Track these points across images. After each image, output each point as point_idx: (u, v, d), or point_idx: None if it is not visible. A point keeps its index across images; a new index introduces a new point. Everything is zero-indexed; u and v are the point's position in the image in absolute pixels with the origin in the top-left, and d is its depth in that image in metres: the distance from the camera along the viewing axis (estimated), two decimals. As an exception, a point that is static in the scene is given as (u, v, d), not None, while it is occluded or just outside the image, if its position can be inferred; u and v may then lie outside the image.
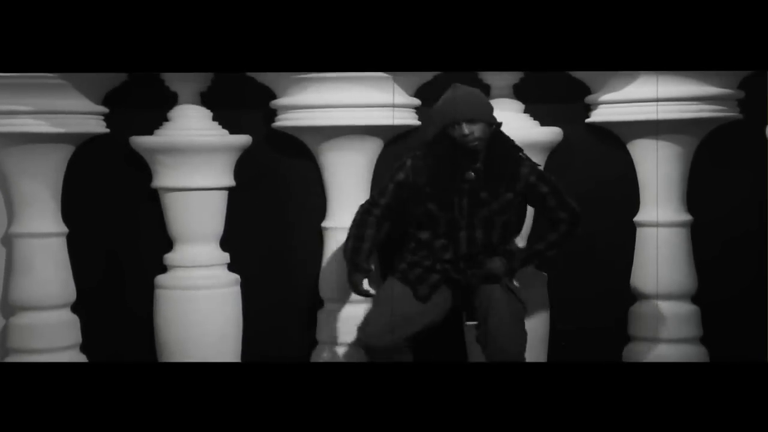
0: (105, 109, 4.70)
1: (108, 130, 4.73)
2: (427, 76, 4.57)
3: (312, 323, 4.79)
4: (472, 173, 4.05)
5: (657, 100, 4.47)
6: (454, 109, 4.02)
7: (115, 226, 4.92)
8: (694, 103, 4.49)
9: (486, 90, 4.74)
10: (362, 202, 4.30)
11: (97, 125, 4.68)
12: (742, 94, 4.58)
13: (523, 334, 4.07)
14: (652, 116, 4.52)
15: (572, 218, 4.15)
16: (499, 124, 4.10)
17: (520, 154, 4.15)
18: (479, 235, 4.07)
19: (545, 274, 4.74)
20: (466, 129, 3.99)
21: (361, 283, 4.17)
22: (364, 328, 4.13)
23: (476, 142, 4.01)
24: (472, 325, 4.16)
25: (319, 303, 4.78)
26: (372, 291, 4.24)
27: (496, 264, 4.11)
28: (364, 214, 4.21)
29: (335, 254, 4.66)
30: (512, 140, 4.16)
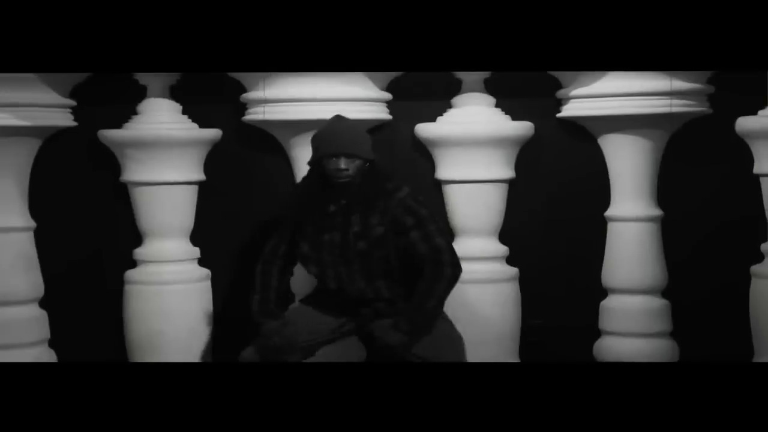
0: (72, 102, 4.67)
1: (76, 124, 4.70)
2: (399, 69, 4.57)
3: (283, 318, 4.77)
4: (334, 206, 3.94)
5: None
6: (334, 142, 3.90)
7: (84, 221, 4.90)
8: (665, 97, 4.50)
9: (458, 85, 4.74)
10: None
11: (64, 118, 4.65)
12: (711, 89, 4.59)
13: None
14: (623, 111, 4.52)
15: (433, 254, 3.87)
16: (374, 161, 3.96)
17: (392, 185, 3.95)
18: (357, 269, 3.94)
19: (516, 269, 4.74)
20: (342, 163, 3.87)
21: (276, 329, 4.02)
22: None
23: (348, 179, 3.90)
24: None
25: (291, 297, 4.76)
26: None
27: (390, 336, 3.91)
28: (264, 264, 4.11)
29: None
30: (387, 174, 4.00)
